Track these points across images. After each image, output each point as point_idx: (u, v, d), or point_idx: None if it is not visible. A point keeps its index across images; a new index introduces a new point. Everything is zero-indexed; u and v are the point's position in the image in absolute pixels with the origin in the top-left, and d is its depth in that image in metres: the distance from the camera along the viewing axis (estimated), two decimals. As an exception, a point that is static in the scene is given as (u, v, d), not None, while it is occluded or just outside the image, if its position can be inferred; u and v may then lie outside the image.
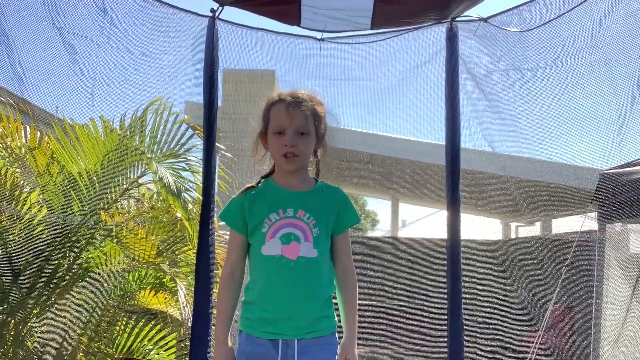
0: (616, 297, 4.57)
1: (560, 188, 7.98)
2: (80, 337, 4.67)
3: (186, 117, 5.38)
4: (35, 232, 4.72)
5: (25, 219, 4.70)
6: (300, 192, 2.13)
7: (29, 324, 4.49)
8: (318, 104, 2.16)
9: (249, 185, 2.22)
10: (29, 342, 4.64)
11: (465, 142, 4.58)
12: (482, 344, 7.30)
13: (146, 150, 5.02)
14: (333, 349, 2.13)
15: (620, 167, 4.73)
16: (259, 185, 2.19)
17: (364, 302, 9.55)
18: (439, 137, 4.56)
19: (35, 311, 4.45)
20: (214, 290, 4.59)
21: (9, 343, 4.44)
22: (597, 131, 3.65)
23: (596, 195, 4.68)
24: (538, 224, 14.28)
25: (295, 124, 2.06)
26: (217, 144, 4.55)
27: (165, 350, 5.26)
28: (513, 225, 16.51)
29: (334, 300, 2.19)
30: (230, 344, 2.13)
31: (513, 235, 16.07)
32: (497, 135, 4.70)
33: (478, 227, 15.58)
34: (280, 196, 2.12)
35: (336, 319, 2.21)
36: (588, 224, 5.50)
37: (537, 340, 5.58)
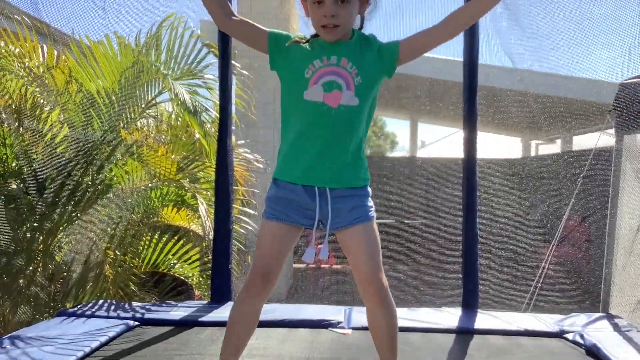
0: (631, 207, 4.59)
1: (580, 103, 7.88)
2: (107, 250, 4.85)
3: (200, 33, 5.35)
4: (58, 150, 4.82)
5: (47, 137, 4.80)
6: (344, 42, 2.07)
7: (57, 237, 4.65)
8: None
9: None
10: (57, 257, 4.84)
11: (484, 56, 4.52)
12: (496, 254, 7.43)
13: (162, 67, 5.03)
14: (365, 199, 2.12)
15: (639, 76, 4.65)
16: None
17: (382, 220, 9.69)
18: (457, 52, 4.51)
19: (61, 225, 4.61)
20: (233, 205, 4.71)
21: (38, 258, 4.63)
22: (617, 38, 3.58)
23: (615, 105, 4.63)
24: (559, 142, 14.16)
25: None
26: (233, 62, 4.54)
27: (189, 264, 5.45)
28: (533, 143, 16.39)
29: None
30: None
31: (533, 153, 15.98)
32: (516, 46, 4.62)
33: (497, 146, 15.51)
34: (324, 45, 2.05)
35: (369, 176, 2.17)
36: (605, 139, 5.47)
37: (551, 250, 5.67)
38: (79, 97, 5.08)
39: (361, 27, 2.16)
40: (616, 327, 3.80)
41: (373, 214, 2.13)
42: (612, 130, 4.95)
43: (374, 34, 2.14)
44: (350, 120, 2.03)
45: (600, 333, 3.65)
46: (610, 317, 4.04)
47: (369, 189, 2.16)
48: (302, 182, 2.05)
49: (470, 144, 4.37)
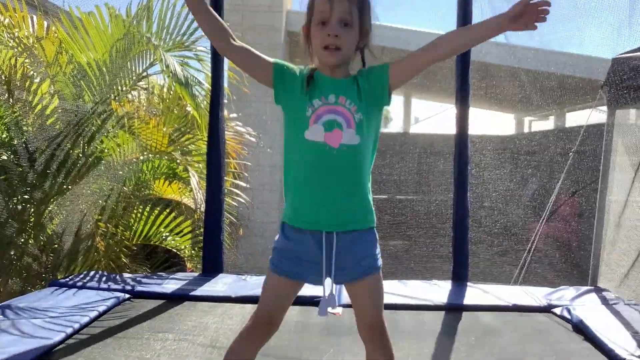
0: (621, 182, 4.62)
1: (571, 77, 7.87)
2: (98, 223, 4.85)
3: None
4: (48, 122, 4.79)
5: (37, 108, 4.77)
6: (342, 80, 2.05)
7: (48, 208, 4.65)
8: None
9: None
10: (48, 228, 4.83)
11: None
12: (486, 228, 7.48)
13: (154, 38, 4.98)
14: (373, 245, 2.08)
15: (633, 51, 4.65)
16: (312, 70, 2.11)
17: (375, 195, 9.70)
18: (451, 27, 4.48)
19: (52, 196, 4.59)
20: (225, 178, 4.71)
21: (29, 229, 4.63)
22: (608, 14, 3.57)
23: (607, 80, 4.63)
24: (552, 119, 14.17)
25: (338, 13, 1.96)
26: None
27: (181, 237, 5.47)
28: (526, 120, 16.40)
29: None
30: None
31: (526, 130, 16.00)
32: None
33: (490, 122, 15.50)
34: (323, 82, 2.02)
35: (375, 219, 2.11)
36: (597, 116, 5.48)
37: (541, 224, 5.71)
38: (70, 69, 5.04)
39: (364, 64, 2.14)
40: (604, 300, 3.85)
41: (380, 262, 2.10)
42: (604, 107, 4.96)
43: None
44: (353, 160, 2.00)
45: (588, 306, 3.70)
46: (598, 290, 4.09)
47: (376, 234, 2.12)
48: (309, 227, 2.01)
49: (462, 119, 4.38)
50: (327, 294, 2.07)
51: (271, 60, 2.08)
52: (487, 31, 2.00)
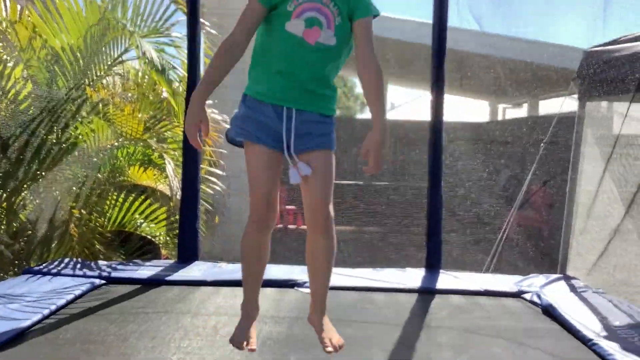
0: (590, 173, 4.72)
1: (545, 68, 7.98)
2: (72, 209, 4.81)
3: (168, -12, 5.24)
4: (21, 108, 4.73)
5: (11, 94, 4.70)
6: None
7: (21, 194, 4.60)
8: None
9: None
10: (21, 215, 4.79)
11: (452, 20, 4.55)
12: (459, 217, 7.59)
13: (129, 24, 4.94)
14: (330, 127, 2.16)
15: (605, 44, 4.73)
16: None
17: (350, 182, 9.76)
18: (426, 15, 4.51)
19: (25, 183, 4.55)
20: (201, 165, 4.70)
21: (2, 215, 4.58)
22: (583, 7, 3.62)
23: (578, 73, 4.71)
24: (525, 106, 14.35)
25: None
26: (201, 20, 4.47)
27: (156, 224, 5.45)
28: (500, 107, 16.58)
29: None
30: (205, 106, 2.08)
31: (500, 117, 16.17)
32: (484, 11, 4.65)
33: (465, 109, 15.66)
34: None
35: (336, 108, 2.21)
36: (570, 104, 5.57)
37: (512, 213, 5.81)
38: (43, 54, 4.97)
39: None
40: (572, 288, 3.95)
41: (334, 145, 2.17)
42: (576, 96, 5.04)
43: None
44: (325, 58, 2.06)
45: (557, 293, 3.79)
46: (567, 278, 4.19)
47: (334, 121, 2.19)
48: (271, 101, 2.07)
49: (437, 109, 4.42)
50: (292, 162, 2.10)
51: (257, 6, 2.06)
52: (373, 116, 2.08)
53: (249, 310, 2.31)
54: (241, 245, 2.23)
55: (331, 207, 2.14)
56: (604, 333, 3.04)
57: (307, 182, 2.11)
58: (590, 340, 2.92)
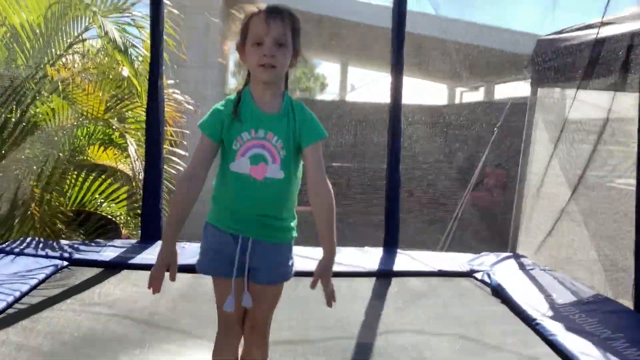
0: (540, 156, 4.93)
1: (498, 53, 8.19)
2: (34, 189, 4.80)
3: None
4: (-20, 86, 4.68)
5: (-32, 71, 4.65)
6: (272, 115, 2.06)
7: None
8: (297, 20, 2.11)
9: (230, 96, 2.19)
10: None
11: (411, 3, 4.66)
12: (417, 197, 7.78)
13: (90, 4, 4.90)
14: (287, 255, 2.19)
15: (556, 33, 4.92)
16: (239, 94, 2.15)
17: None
18: (386, -1, 4.60)
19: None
20: (164, 146, 4.73)
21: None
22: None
23: (530, 60, 4.89)
24: (482, 90, 14.66)
25: (274, 35, 2.02)
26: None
27: (116, 204, 5.46)
28: (458, 91, 16.88)
29: None
30: (176, 247, 2.09)
31: (457, 101, 16.47)
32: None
33: (424, 92, 15.87)
34: (253, 116, 2.08)
35: (296, 233, 2.22)
36: (523, 89, 5.76)
37: (466, 195, 6.02)
38: (2, 31, 4.90)
39: (286, 87, 2.20)
40: (521, 266, 4.16)
41: (292, 270, 2.20)
42: (529, 82, 5.23)
43: (301, 104, 2.17)
44: (277, 191, 2.10)
45: (506, 272, 3.99)
46: (516, 257, 4.40)
47: (292, 245, 2.22)
48: (228, 230, 2.11)
49: (396, 92, 4.54)
50: (233, 292, 2.13)
51: (206, 136, 2.09)
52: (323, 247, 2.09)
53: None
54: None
55: (270, 320, 2.26)
56: (549, 312, 3.24)
57: (255, 304, 2.16)
58: (534, 319, 3.12)
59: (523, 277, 3.90)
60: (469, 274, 3.98)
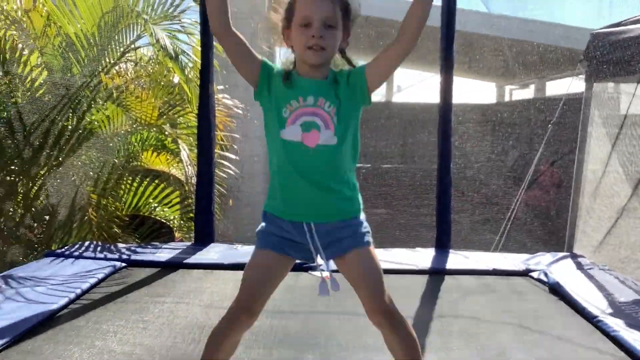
0: (597, 153, 4.79)
1: (552, 49, 8.00)
2: (91, 195, 4.94)
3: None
4: (38, 94, 4.84)
5: (27, 80, 4.80)
6: (320, 81, 1.98)
7: (41, 179, 4.72)
8: None
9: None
10: (41, 200, 4.91)
11: (461, 2, 4.60)
12: (468, 197, 7.66)
13: (140, 8, 5.02)
14: (358, 226, 2.06)
15: (611, 26, 4.77)
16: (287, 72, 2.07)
17: (359, 164, 9.81)
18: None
19: (42, 171, 4.66)
20: (215, 151, 4.79)
21: (19, 198, 4.70)
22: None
23: (585, 54, 4.76)
24: (532, 87, 14.35)
25: (322, 15, 1.91)
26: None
27: (169, 208, 5.57)
28: (507, 88, 16.57)
29: None
30: None
31: (507, 99, 16.17)
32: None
33: (472, 91, 15.65)
34: (301, 83, 1.99)
35: (360, 204, 2.09)
36: (577, 85, 5.61)
37: (520, 193, 5.89)
38: (58, 41, 5.06)
39: (351, 64, 2.08)
40: (579, 266, 4.04)
41: (369, 238, 2.06)
42: (583, 77, 5.09)
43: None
44: (331, 159, 2.01)
45: (564, 271, 3.88)
46: (573, 256, 4.28)
47: (362, 216, 2.10)
48: (288, 217, 2.03)
49: (446, 92, 4.49)
50: (323, 274, 2.06)
51: (260, 57, 2.04)
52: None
53: None
54: (209, 340, 2.09)
55: (388, 299, 2.03)
56: (609, 310, 3.14)
57: (355, 286, 2.03)
58: (596, 317, 3.02)
59: (581, 276, 3.79)
60: (525, 273, 3.89)
